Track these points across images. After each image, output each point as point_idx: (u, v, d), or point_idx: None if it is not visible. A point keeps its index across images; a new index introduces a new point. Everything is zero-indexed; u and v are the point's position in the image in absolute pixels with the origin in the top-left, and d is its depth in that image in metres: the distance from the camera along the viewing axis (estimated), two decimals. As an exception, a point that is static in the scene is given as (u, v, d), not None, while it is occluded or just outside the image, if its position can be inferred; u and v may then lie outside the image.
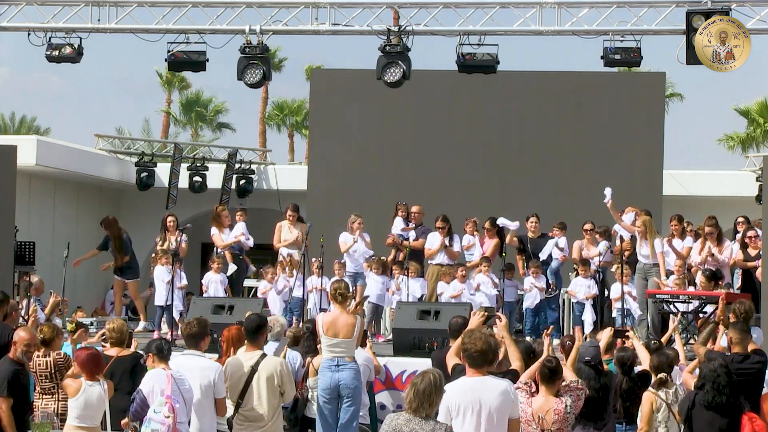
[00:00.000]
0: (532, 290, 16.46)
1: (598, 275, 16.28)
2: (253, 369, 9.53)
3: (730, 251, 15.53)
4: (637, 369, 10.34)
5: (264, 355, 9.71)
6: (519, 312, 17.23)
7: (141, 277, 17.78)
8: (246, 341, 9.92)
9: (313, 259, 16.66)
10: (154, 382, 9.48)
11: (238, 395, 9.52)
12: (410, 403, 7.30)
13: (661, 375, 9.88)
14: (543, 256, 16.87)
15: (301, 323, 14.76)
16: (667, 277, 15.38)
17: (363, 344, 12.47)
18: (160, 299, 16.60)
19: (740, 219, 16.89)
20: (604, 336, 10.85)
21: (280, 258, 17.20)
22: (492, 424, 8.00)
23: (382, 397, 12.83)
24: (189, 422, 9.47)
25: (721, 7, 15.10)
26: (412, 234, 17.09)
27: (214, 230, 17.11)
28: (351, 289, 13.15)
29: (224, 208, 17.82)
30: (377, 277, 16.22)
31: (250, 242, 17.42)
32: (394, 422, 7.32)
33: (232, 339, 10.77)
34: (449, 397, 7.85)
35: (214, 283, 16.50)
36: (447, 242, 16.64)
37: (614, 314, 15.95)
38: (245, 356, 9.72)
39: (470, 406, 7.91)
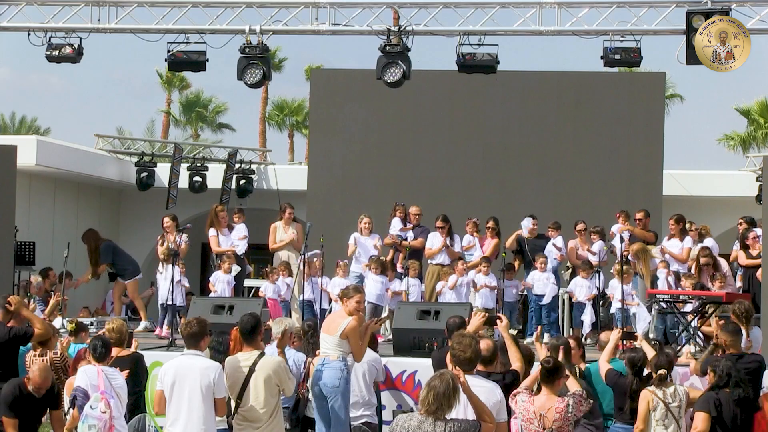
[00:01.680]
0: (547, 284, 16.40)
1: (596, 276, 16.25)
2: (251, 369, 9.53)
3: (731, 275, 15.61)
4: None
5: (262, 355, 9.71)
6: (520, 312, 17.22)
7: (142, 277, 17.79)
8: (243, 342, 9.93)
9: (314, 259, 16.65)
10: (87, 378, 9.57)
11: (236, 395, 9.52)
12: (429, 406, 7.28)
13: (661, 372, 9.90)
14: (549, 257, 16.81)
15: (301, 322, 14.76)
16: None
17: (374, 348, 12.47)
18: (163, 299, 16.58)
19: (740, 220, 16.89)
20: (612, 337, 10.87)
21: (279, 260, 17.18)
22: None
23: (383, 397, 12.81)
24: (126, 417, 9.85)
25: (721, 7, 15.10)
26: (410, 234, 17.09)
27: (212, 231, 17.08)
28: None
29: (223, 208, 17.79)
30: (376, 277, 16.22)
31: (245, 244, 17.38)
32: (407, 424, 7.31)
33: (238, 339, 10.78)
34: None
35: (221, 283, 16.55)
36: (447, 242, 16.65)
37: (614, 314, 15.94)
38: (243, 356, 9.72)
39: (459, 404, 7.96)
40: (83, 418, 9.44)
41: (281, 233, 17.24)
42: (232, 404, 9.57)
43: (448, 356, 9.49)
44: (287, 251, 17.25)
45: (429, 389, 7.33)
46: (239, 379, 9.52)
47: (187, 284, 16.88)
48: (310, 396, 11.62)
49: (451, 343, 8.39)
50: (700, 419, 9.10)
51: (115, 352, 10.75)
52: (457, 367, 7.95)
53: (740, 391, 8.98)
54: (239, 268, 17.05)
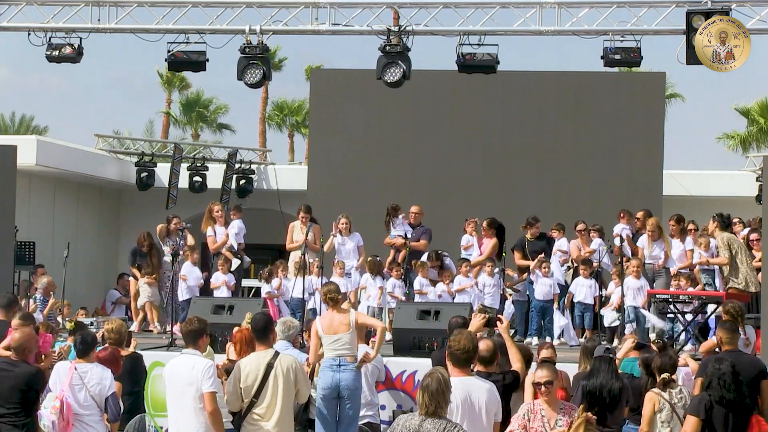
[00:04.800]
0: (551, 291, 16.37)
1: (596, 275, 16.24)
2: (269, 366, 9.49)
3: None
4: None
5: (277, 354, 9.69)
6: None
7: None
8: (256, 341, 9.91)
9: (312, 260, 16.64)
10: (56, 376, 9.58)
11: (252, 395, 9.47)
12: (426, 407, 7.28)
13: (665, 375, 9.89)
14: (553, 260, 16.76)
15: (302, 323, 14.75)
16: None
17: (366, 342, 12.49)
18: (182, 295, 16.60)
19: (735, 219, 16.87)
20: (625, 348, 10.88)
21: (293, 260, 17.13)
22: (481, 422, 8.08)
23: (382, 397, 12.82)
24: (111, 414, 9.62)
25: (721, 7, 15.10)
26: (395, 233, 17.07)
27: (209, 231, 17.15)
28: (344, 290, 13.33)
29: (217, 204, 17.75)
30: (373, 281, 16.16)
31: (240, 238, 17.39)
32: (408, 423, 7.32)
33: (244, 340, 10.76)
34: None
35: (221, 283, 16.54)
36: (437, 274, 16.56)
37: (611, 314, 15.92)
38: (258, 355, 9.68)
39: (460, 404, 7.99)
40: (40, 417, 9.49)
41: (298, 233, 17.15)
42: (244, 403, 9.51)
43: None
44: (301, 252, 17.14)
45: (422, 390, 7.36)
46: (257, 377, 9.49)
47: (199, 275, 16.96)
48: (313, 396, 11.62)
49: (448, 340, 8.43)
50: (690, 423, 9.08)
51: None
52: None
53: (720, 394, 8.96)
54: (238, 262, 17.04)
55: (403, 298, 16.01)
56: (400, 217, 17.11)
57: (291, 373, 9.53)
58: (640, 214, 16.75)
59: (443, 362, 9.62)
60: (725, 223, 14.99)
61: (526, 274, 16.67)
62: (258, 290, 17.85)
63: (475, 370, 8.83)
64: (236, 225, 17.34)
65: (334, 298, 11.35)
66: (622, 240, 15.70)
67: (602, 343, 10.89)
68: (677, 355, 11.33)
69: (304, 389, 9.73)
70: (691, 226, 16.61)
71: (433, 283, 16.32)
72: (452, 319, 10.81)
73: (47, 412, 9.40)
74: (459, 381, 8.03)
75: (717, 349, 10.62)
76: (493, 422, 8.21)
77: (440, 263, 16.68)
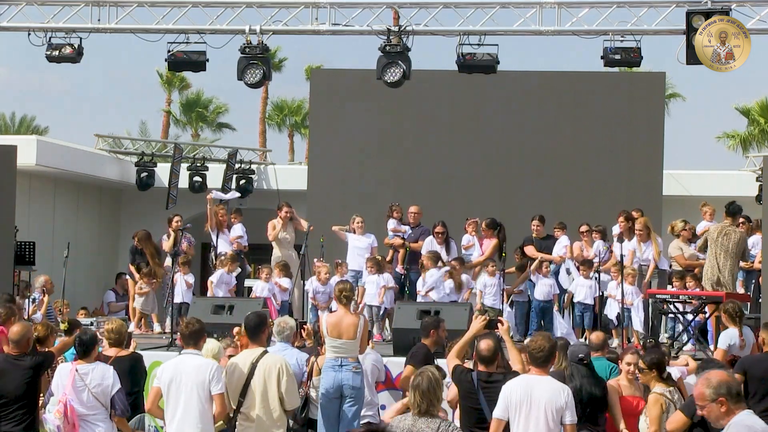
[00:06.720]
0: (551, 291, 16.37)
1: (596, 276, 16.23)
2: (253, 366, 9.48)
3: None
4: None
5: (265, 352, 9.66)
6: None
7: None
8: (248, 340, 9.90)
9: (315, 260, 16.64)
10: (59, 378, 9.57)
11: (239, 394, 9.47)
12: (418, 406, 7.30)
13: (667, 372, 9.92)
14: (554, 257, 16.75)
15: (306, 323, 14.74)
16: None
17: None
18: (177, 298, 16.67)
19: (741, 220, 16.84)
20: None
21: (277, 260, 17.14)
22: (548, 424, 8.07)
23: (382, 397, 12.81)
24: (111, 414, 9.61)
25: (721, 7, 15.11)
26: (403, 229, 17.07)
27: (214, 236, 17.19)
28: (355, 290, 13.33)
29: (223, 208, 17.83)
30: (372, 278, 16.17)
31: (244, 242, 17.41)
32: (402, 424, 7.33)
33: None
34: (509, 392, 8.00)
35: (222, 284, 16.55)
36: (444, 256, 16.50)
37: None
38: (246, 354, 9.68)
39: (526, 403, 8.05)
40: (45, 421, 9.48)
41: (279, 228, 17.08)
42: (233, 403, 9.51)
43: (449, 356, 9.51)
44: (286, 250, 17.13)
45: (414, 389, 7.38)
46: (242, 377, 9.48)
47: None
48: (313, 396, 11.61)
49: (528, 344, 8.46)
50: (678, 419, 9.07)
51: (113, 352, 10.76)
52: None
53: None
54: (239, 269, 17.05)
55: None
56: (391, 220, 17.13)
57: (274, 375, 9.46)
58: (634, 214, 16.75)
59: (419, 358, 9.69)
60: (731, 211, 14.93)
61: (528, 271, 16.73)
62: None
63: (476, 369, 8.83)
64: (237, 228, 17.34)
65: (348, 297, 11.35)
66: (621, 240, 15.68)
67: (578, 344, 10.81)
68: (677, 354, 11.34)
69: (289, 396, 9.50)
70: (688, 227, 16.62)
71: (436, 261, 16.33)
72: (426, 318, 10.88)
73: (51, 416, 9.40)
74: (534, 380, 8.12)
75: (760, 350, 10.65)
76: (558, 423, 8.13)
77: (446, 235, 16.65)
